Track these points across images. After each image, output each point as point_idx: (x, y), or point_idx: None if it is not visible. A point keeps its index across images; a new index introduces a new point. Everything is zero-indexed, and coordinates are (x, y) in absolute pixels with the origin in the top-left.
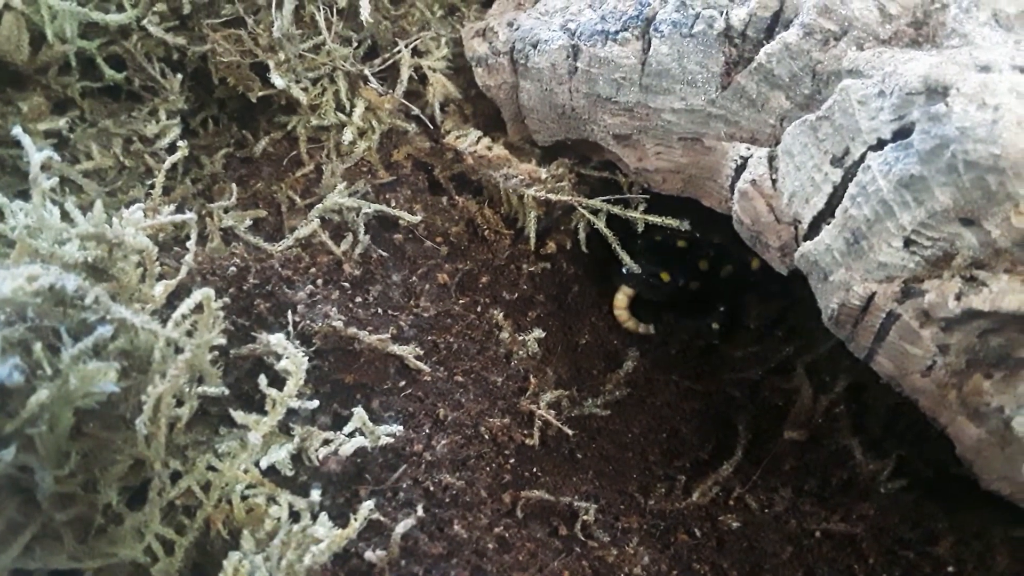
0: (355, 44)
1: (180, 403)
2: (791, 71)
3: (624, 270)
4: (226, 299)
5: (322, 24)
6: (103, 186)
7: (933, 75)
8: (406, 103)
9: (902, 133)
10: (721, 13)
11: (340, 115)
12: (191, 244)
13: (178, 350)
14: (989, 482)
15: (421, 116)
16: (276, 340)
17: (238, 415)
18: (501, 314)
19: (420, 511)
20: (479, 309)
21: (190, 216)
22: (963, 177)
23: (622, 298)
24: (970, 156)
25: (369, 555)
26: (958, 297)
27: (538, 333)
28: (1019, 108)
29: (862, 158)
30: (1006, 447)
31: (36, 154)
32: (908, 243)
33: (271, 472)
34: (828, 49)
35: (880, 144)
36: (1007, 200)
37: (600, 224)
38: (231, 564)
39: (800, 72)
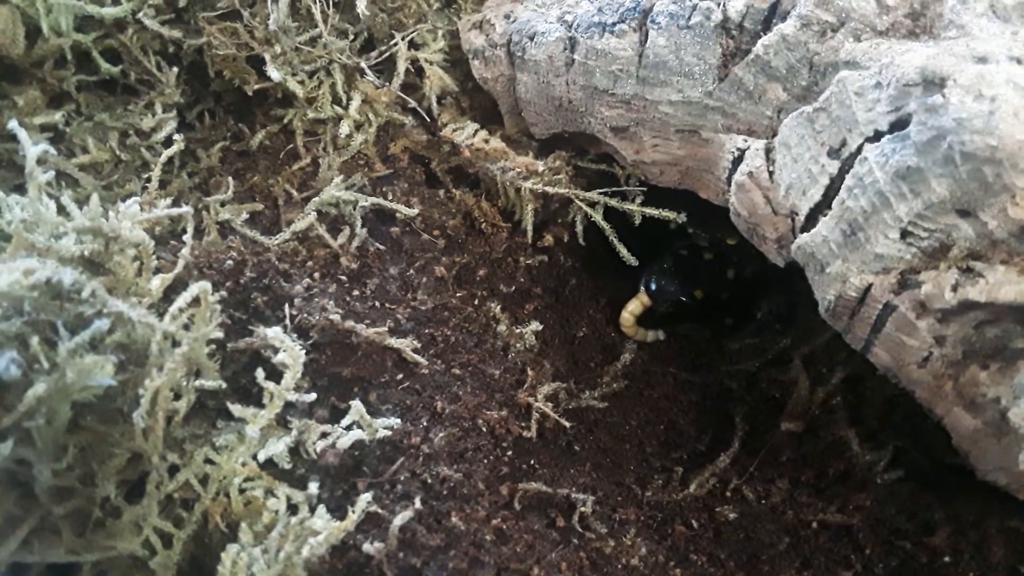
0: (351, 37)
1: (178, 396)
2: (788, 63)
3: (653, 285)
4: (223, 293)
5: (318, 17)
6: (99, 180)
7: (930, 66)
8: (403, 96)
9: (899, 125)
10: (718, 5)
11: (337, 108)
12: (187, 238)
13: (175, 344)
14: (985, 472)
15: (418, 109)
16: (273, 333)
17: (236, 408)
18: (498, 307)
19: (418, 503)
20: (476, 302)
21: (186, 210)
22: (960, 168)
23: (631, 313)
24: (967, 147)
25: (367, 547)
26: (954, 288)
27: (535, 326)
28: (1016, 99)
29: (859, 150)
30: (1002, 438)
31: (32, 148)
32: (905, 234)
33: (269, 465)
34: (825, 40)
35: (877, 136)
36: (1004, 191)
37: (597, 217)
38: (229, 557)
39: (797, 64)
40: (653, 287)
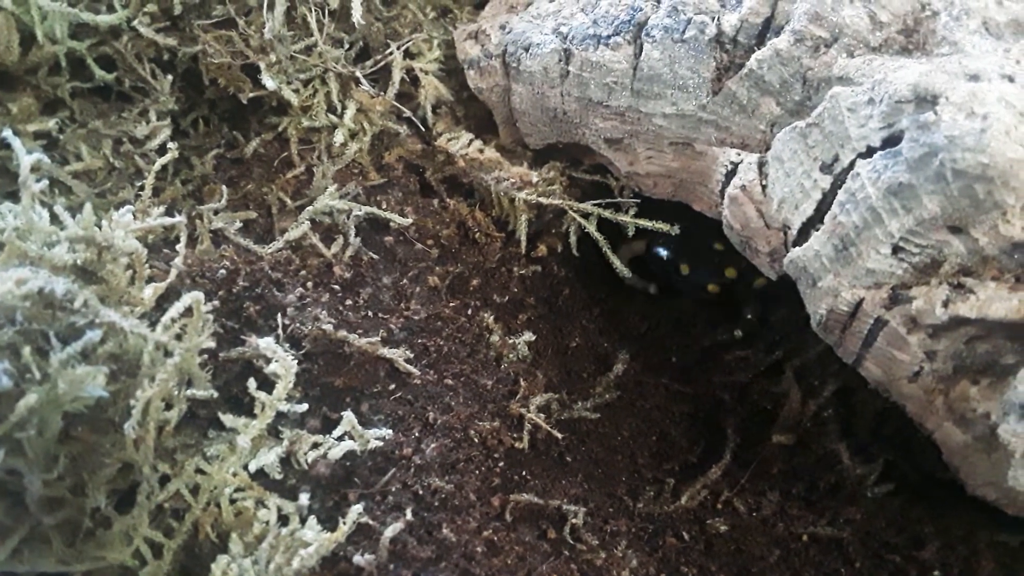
0: (347, 46)
1: (169, 406)
2: (782, 77)
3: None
4: (216, 302)
5: (314, 25)
6: (93, 187)
7: (922, 83)
8: (398, 105)
9: (891, 141)
10: (713, 19)
11: (331, 117)
12: (181, 247)
13: (167, 354)
14: (975, 487)
15: (413, 118)
16: (265, 344)
17: (227, 418)
18: (492, 317)
19: (409, 515)
20: (469, 312)
21: (180, 220)
22: (951, 185)
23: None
24: (958, 165)
25: (358, 559)
26: (945, 304)
27: (528, 336)
28: (1007, 117)
29: (851, 165)
30: (992, 453)
31: (26, 157)
32: (896, 250)
33: (260, 475)
34: (819, 56)
35: (869, 152)
36: (995, 208)
37: (591, 228)
38: (219, 568)
39: (790, 78)
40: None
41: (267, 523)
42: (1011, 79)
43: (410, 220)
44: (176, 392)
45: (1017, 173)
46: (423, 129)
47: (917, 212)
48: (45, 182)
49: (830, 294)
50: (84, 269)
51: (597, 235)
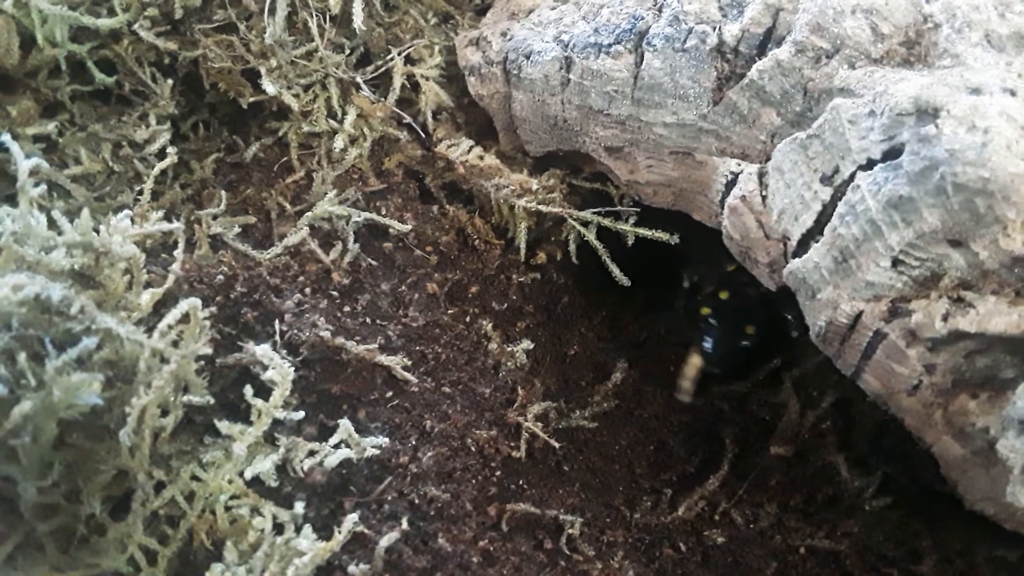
0: (348, 51)
1: (165, 413)
2: (782, 88)
3: (705, 341)
4: (213, 308)
5: (315, 31)
6: (91, 191)
7: (924, 96)
8: (398, 111)
9: (892, 154)
10: (714, 28)
11: (331, 122)
12: (179, 252)
13: (164, 360)
14: (973, 502)
15: (413, 124)
16: (262, 351)
17: (223, 425)
18: (490, 324)
19: (405, 524)
20: (468, 319)
21: (177, 226)
22: (952, 199)
23: (693, 368)
24: (959, 178)
25: (353, 569)
26: (945, 318)
27: (527, 344)
28: (1008, 131)
29: (852, 177)
30: (990, 467)
31: (24, 162)
32: (896, 263)
33: (255, 483)
34: (820, 67)
35: (870, 164)
36: (995, 223)
37: (590, 236)
38: (214, 575)
39: (791, 89)
40: (705, 341)
41: (262, 531)
42: (1013, 93)
43: (409, 226)
44: (172, 398)
45: (1018, 187)
46: (423, 135)
47: (917, 225)
48: (43, 187)
49: (829, 306)
50: (81, 274)
51: (596, 243)
